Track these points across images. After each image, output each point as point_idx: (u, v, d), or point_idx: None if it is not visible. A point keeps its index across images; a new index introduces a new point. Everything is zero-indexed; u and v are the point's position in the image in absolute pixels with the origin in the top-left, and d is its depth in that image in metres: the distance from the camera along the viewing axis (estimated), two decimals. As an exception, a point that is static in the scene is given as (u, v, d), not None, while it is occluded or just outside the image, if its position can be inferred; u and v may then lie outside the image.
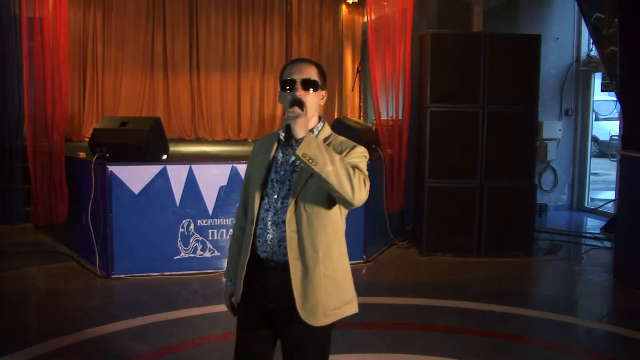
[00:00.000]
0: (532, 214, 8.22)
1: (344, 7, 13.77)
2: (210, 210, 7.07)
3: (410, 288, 6.86)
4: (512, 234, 8.06)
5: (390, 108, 8.35)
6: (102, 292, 6.62)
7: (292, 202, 2.87)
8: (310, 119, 2.95)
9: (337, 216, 2.95)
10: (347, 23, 13.87)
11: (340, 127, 8.04)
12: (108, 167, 6.79)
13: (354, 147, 2.95)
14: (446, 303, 6.33)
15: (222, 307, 6.13)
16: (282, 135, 2.84)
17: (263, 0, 13.43)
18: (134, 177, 6.85)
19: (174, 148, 8.96)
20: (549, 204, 10.96)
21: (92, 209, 7.07)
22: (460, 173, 7.97)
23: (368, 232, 7.62)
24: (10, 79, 7.90)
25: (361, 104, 13.40)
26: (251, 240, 2.97)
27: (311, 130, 2.94)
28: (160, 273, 6.99)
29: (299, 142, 2.66)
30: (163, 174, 6.91)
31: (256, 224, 2.97)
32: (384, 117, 8.38)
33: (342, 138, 3.04)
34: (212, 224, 7.08)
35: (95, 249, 7.02)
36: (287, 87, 2.93)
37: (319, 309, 2.90)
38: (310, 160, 2.63)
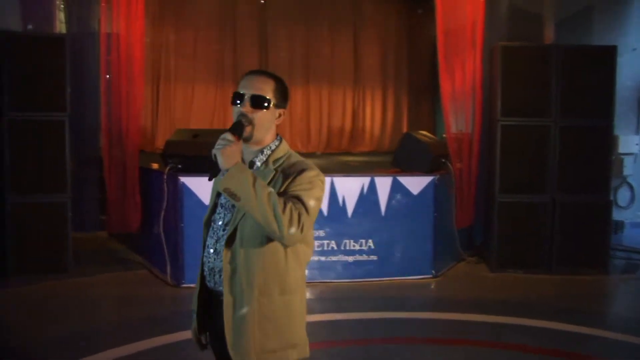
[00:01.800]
0: (607, 230, 7.97)
1: (412, 19, 13.71)
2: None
3: (479, 304, 6.75)
4: (585, 251, 7.84)
5: (460, 121, 8.27)
6: (172, 300, 6.73)
7: (231, 230, 2.62)
8: (262, 140, 2.69)
9: (278, 249, 2.62)
10: (416, 35, 13.79)
11: (410, 141, 7.99)
12: (180, 178, 6.92)
13: (301, 171, 2.62)
14: (516, 321, 6.20)
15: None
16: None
17: (331, 12, 13.48)
18: (206, 188, 6.93)
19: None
20: (626, 220, 10.62)
21: (164, 219, 7.21)
22: (532, 188, 7.81)
23: (437, 247, 7.53)
24: (89, 92, 8.17)
25: (430, 117, 13.30)
26: (200, 268, 2.78)
27: (261, 151, 2.70)
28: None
29: (223, 173, 2.48)
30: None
31: (203, 251, 2.78)
32: (453, 130, 8.29)
33: (297, 159, 2.74)
34: (281, 236, 7.10)
35: (167, 258, 7.15)
36: (237, 102, 2.67)
37: (251, 350, 2.60)
38: (232, 195, 2.45)
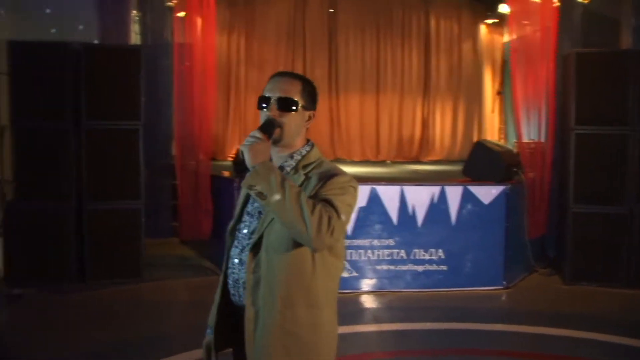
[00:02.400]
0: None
1: (483, 27, 13.57)
2: (349, 231, 7.11)
3: (552, 317, 6.58)
4: (664, 265, 7.57)
5: (532, 130, 8.12)
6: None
7: (256, 238, 2.46)
8: (292, 144, 2.54)
9: (306, 258, 2.44)
10: (487, 43, 13.65)
11: (481, 150, 7.88)
12: (250, 186, 6.97)
13: (332, 176, 2.44)
14: (590, 335, 6.01)
15: (358, 328, 6.18)
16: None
17: (401, 21, 13.46)
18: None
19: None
20: None
21: (234, 227, 7.27)
22: (608, 198, 7.58)
23: (508, 257, 7.39)
24: (162, 102, 8.38)
25: (502, 125, 13.12)
26: (222, 281, 2.63)
27: (291, 156, 2.54)
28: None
29: (249, 171, 2.34)
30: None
31: (227, 262, 2.61)
32: (526, 139, 8.15)
33: (329, 166, 2.56)
34: (351, 244, 7.10)
35: (236, 265, 7.21)
36: (263, 106, 2.52)
37: None
38: (258, 194, 2.30)
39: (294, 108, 2.49)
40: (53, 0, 8.40)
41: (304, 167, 2.52)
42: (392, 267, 7.20)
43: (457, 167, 9.24)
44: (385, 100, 13.46)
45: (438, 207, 7.19)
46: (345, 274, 7.12)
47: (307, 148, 2.58)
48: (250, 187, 2.31)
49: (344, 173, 2.49)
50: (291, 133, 2.51)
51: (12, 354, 5.51)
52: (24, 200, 7.28)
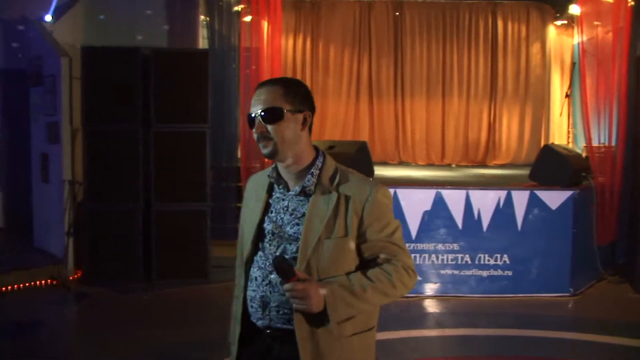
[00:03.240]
0: None
1: (551, 29, 13.29)
2: (413, 235, 7.07)
3: (621, 327, 6.39)
4: None
5: (602, 134, 7.92)
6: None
7: (301, 265, 2.26)
8: (297, 155, 2.35)
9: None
10: (555, 45, 13.35)
11: (549, 154, 7.72)
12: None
13: (369, 197, 2.32)
14: (663, 345, 5.85)
15: (420, 332, 6.14)
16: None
17: (468, 24, 13.30)
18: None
19: (378, 172, 9.10)
20: None
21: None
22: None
23: (575, 264, 7.23)
24: (228, 105, 8.50)
25: (570, 129, 12.81)
26: (241, 306, 2.43)
27: (309, 171, 2.35)
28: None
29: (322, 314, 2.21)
30: (367, 197, 7.01)
31: (246, 285, 2.42)
32: (595, 143, 7.95)
33: (349, 172, 2.40)
34: (415, 248, 7.07)
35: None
36: (250, 125, 2.36)
37: None
38: (346, 320, 2.27)
39: (278, 115, 2.29)
40: (124, 6, 8.63)
41: (329, 179, 2.34)
42: (456, 272, 7.13)
43: (523, 172, 9.08)
44: (451, 103, 13.32)
45: (504, 212, 7.09)
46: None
47: (321, 159, 2.38)
48: (338, 323, 2.24)
49: (373, 183, 2.36)
50: (287, 143, 2.30)
51: (80, 352, 5.68)
52: (94, 201, 7.49)
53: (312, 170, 2.33)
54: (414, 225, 7.07)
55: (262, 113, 2.29)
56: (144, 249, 7.46)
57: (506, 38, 13.33)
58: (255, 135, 2.34)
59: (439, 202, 7.05)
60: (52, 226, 8.04)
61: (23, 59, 8.68)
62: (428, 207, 7.04)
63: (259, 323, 2.37)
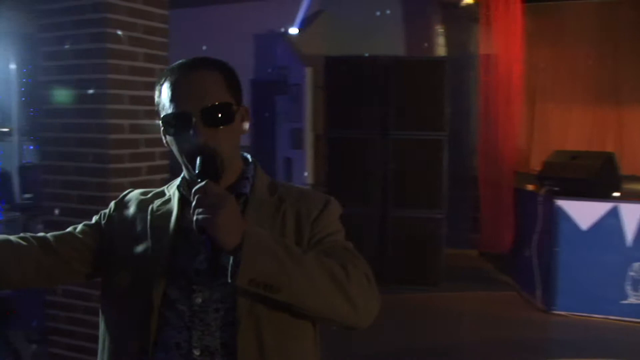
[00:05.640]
0: None
1: None
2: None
3: None
4: None
5: None
6: (540, 326, 6.53)
7: (242, 323, 1.54)
8: (233, 162, 1.67)
9: (308, 331, 1.71)
10: None
11: None
12: (556, 201, 6.70)
13: (326, 203, 1.73)
14: None
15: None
16: (202, 238, 1.45)
17: None
18: (583, 212, 6.65)
19: (627, 186, 8.49)
20: None
21: (536, 242, 7.05)
22: None
23: None
24: (466, 113, 8.42)
25: None
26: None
27: (245, 178, 1.72)
28: (604, 316, 6.62)
29: (235, 258, 1.43)
30: (614, 212, 6.57)
31: (153, 351, 1.58)
32: None
33: (295, 187, 1.80)
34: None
35: (537, 281, 6.98)
36: (177, 131, 1.58)
37: None
38: (267, 287, 1.44)
39: (231, 114, 1.61)
40: (363, 17, 8.90)
41: (269, 187, 1.75)
42: None
43: None
44: None
45: None
46: (634, 300, 6.51)
47: (252, 168, 1.76)
48: (251, 282, 1.44)
49: (321, 194, 1.80)
50: (232, 152, 1.64)
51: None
52: (334, 205, 7.76)
53: (246, 175, 1.72)
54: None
55: (207, 112, 1.55)
56: (379, 252, 7.58)
57: None
58: (183, 149, 1.59)
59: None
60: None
61: (271, 70, 9.26)
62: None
63: None
